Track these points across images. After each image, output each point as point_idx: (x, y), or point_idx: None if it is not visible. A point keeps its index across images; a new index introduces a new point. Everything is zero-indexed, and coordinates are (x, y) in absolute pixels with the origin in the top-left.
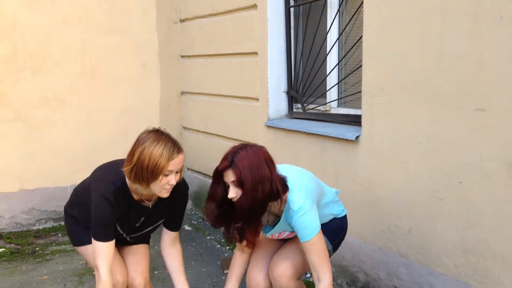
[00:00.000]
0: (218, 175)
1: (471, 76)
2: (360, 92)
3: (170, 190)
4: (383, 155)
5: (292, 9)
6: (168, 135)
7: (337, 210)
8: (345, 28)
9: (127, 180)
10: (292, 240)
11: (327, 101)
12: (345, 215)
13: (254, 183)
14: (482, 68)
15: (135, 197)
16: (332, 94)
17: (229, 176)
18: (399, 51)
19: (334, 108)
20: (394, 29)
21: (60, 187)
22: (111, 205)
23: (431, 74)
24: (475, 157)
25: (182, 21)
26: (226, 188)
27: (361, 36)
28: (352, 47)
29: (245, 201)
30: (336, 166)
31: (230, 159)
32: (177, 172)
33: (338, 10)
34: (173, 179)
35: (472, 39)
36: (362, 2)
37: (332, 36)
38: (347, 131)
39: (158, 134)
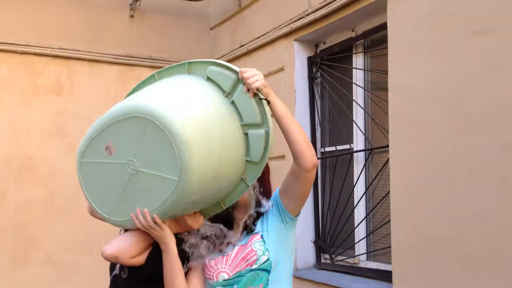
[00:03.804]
0: None
1: (504, 240)
2: (390, 247)
3: None
4: None
5: (319, 161)
6: None
7: None
8: (371, 182)
9: None
10: None
11: (356, 254)
12: None
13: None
14: None
15: None
16: (360, 247)
17: None
18: (429, 210)
19: (363, 262)
20: (423, 187)
21: None
22: None
23: (463, 235)
24: None
25: None
26: None
27: (389, 191)
28: (380, 202)
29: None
30: None
31: None
32: None
33: (365, 165)
34: None
35: (502, 203)
36: (388, 159)
37: (359, 188)
38: None
39: None
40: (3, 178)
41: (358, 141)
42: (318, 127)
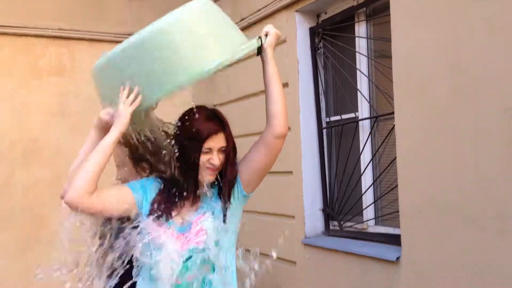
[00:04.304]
0: (201, 140)
1: (510, 202)
2: (398, 211)
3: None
4: (426, 278)
5: (324, 130)
6: None
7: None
8: (378, 149)
9: None
10: None
11: (364, 219)
12: None
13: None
14: None
15: None
16: (368, 212)
17: (219, 142)
18: (435, 173)
19: (371, 227)
20: (428, 152)
21: None
22: None
23: (468, 197)
24: None
25: None
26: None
27: (395, 157)
28: (386, 168)
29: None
30: None
31: (217, 122)
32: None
33: (370, 132)
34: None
35: (506, 166)
36: (394, 126)
37: (366, 155)
38: (387, 251)
39: None
40: (8, 161)
41: (363, 109)
42: (322, 97)
